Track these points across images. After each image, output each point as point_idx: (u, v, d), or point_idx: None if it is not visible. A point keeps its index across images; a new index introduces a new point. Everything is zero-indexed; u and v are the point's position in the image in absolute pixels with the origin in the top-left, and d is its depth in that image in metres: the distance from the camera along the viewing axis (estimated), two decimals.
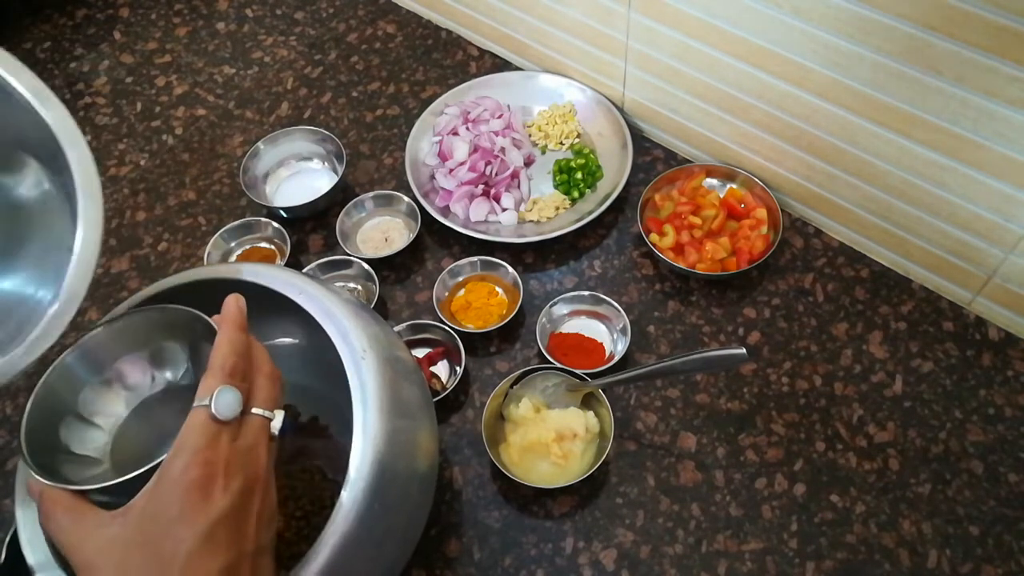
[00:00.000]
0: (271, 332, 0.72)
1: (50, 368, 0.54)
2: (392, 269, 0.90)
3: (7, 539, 0.65)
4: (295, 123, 1.03)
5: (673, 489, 0.75)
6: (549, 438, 0.73)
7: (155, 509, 0.43)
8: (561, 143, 0.98)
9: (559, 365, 0.78)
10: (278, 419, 0.48)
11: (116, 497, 0.47)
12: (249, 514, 0.45)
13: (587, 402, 0.77)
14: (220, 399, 0.45)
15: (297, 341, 0.73)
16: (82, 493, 0.47)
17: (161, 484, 0.44)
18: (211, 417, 0.45)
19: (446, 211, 0.91)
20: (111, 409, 0.57)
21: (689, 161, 0.96)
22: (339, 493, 0.53)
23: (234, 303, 0.51)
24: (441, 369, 0.82)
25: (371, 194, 0.93)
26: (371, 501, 0.53)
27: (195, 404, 0.46)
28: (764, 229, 0.87)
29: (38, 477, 0.48)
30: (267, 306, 0.64)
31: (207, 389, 0.46)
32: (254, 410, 0.47)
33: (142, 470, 0.46)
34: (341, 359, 0.57)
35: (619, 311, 0.82)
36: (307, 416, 0.74)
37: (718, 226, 0.87)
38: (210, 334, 0.54)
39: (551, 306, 0.83)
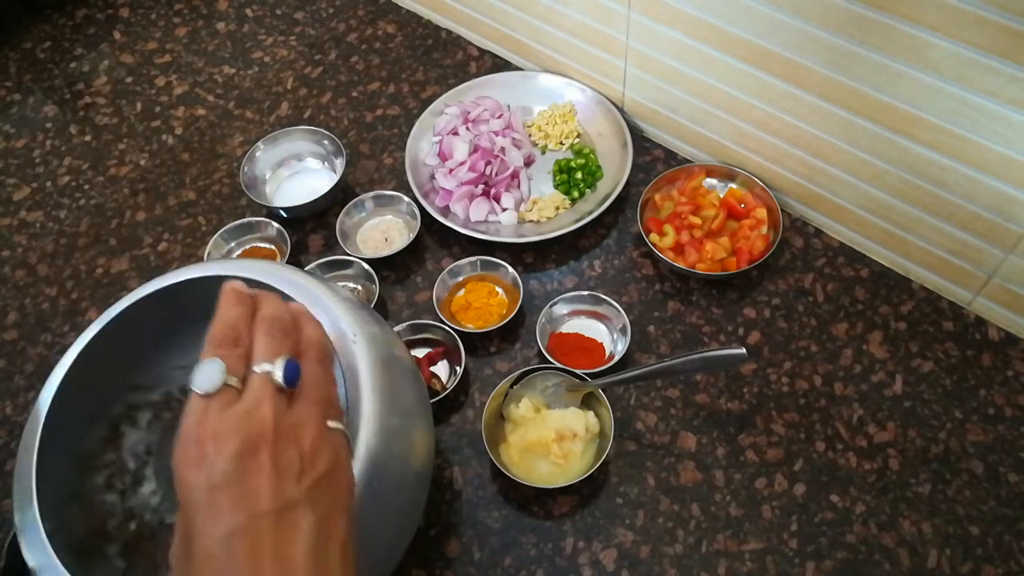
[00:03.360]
0: None
1: None
2: (392, 269, 0.90)
3: (7, 543, 0.65)
4: (295, 123, 1.03)
5: (673, 489, 0.75)
6: (549, 438, 0.73)
7: (180, 500, 0.43)
8: (561, 143, 0.98)
9: (559, 365, 0.78)
10: (277, 369, 0.45)
11: None
12: (255, 473, 0.43)
13: (587, 402, 0.77)
14: (197, 374, 0.44)
15: None
16: None
17: (173, 476, 0.44)
18: (196, 395, 0.44)
19: (446, 211, 0.91)
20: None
21: (689, 161, 0.96)
22: None
23: (231, 284, 0.50)
24: (441, 369, 0.82)
25: (371, 194, 0.93)
26: (364, 493, 0.53)
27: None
28: (764, 229, 0.87)
29: None
30: None
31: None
32: (254, 368, 0.45)
33: None
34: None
35: (619, 311, 0.82)
36: None
37: (718, 226, 0.87)
38: None
39: (551, 306, 0.83)
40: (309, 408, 0.46)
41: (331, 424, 0.47)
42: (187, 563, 0.42)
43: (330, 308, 0.59)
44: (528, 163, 0.96)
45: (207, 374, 0.44)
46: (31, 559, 0.53)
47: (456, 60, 1.08)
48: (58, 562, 0.52)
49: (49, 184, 1.01)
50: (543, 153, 0.98)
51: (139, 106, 1.07)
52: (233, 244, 0.92)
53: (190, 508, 0.42)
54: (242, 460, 0.42)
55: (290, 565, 0.41)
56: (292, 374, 0.45)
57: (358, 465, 0.53)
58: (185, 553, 0.42)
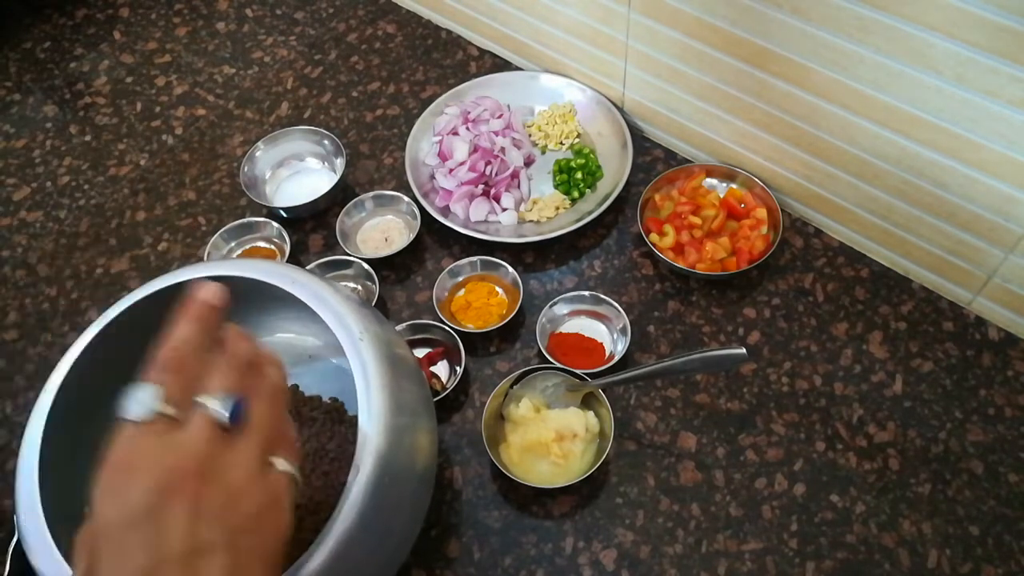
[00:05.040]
0: (270, 328, 0.73)
1: None
2: (392, 269, 0.90)
3: (11, 548, 0.65)
4: (295, 123, 1.03)
5: (673, 489, 0.75)
6: (549, 438, 0.73)
7: (94, 529, 0.41)
8: (561, 143, 0.98)
9: (559, 365, 0.78)
10: (222, 404, 0.42)
11: None
12: (171, 511, 0.39)
13: (587, 402, 0.77)
14: (129, 398, 0.41)
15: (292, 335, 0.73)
16: None
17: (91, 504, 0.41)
18: (123, 420, 0.41)
19: (446, 211, 0.91)
20: None
21: (689, 161, 0.96)
22: (340, 485, 0.53)
23: (199, 291, 0.46)
24: (441, 369, 0.82)
25: (371, 194, 0.93)
26: (374, 495, 0.53)
27: None
28: (764, 229, 0.87)
29: None
30: (262, 302, 0.63)
31: None
32: (198, 398, 0.43)
33: None
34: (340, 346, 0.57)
35: (619, 311, 0.82)
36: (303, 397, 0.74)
37: (718, 226, 0.87)
38: None
39: (551, 306, 0.83)
40: (249, 448, 0.43)
41: (279, 465, 0.44)
42: None
43: (335, 306, 0.59)
44: (528, 163, 0.96)
45: (138, 400, 0.41)
46: (38, 564, 0.53)
47: (456, 60, 1.08)
48: (68, 568, 0.52)
49: (49, 184, 1.01)
50: (543, 153, 0.98)
51: (139, 106, 1.07)
52: (233, 244, 0.92)
53: (98, 540, 0.39)
54: (159, 495, 0.39)
55: None
56: (237, 411, 0.43)
57: (367, 465, 0.53)
58: None
